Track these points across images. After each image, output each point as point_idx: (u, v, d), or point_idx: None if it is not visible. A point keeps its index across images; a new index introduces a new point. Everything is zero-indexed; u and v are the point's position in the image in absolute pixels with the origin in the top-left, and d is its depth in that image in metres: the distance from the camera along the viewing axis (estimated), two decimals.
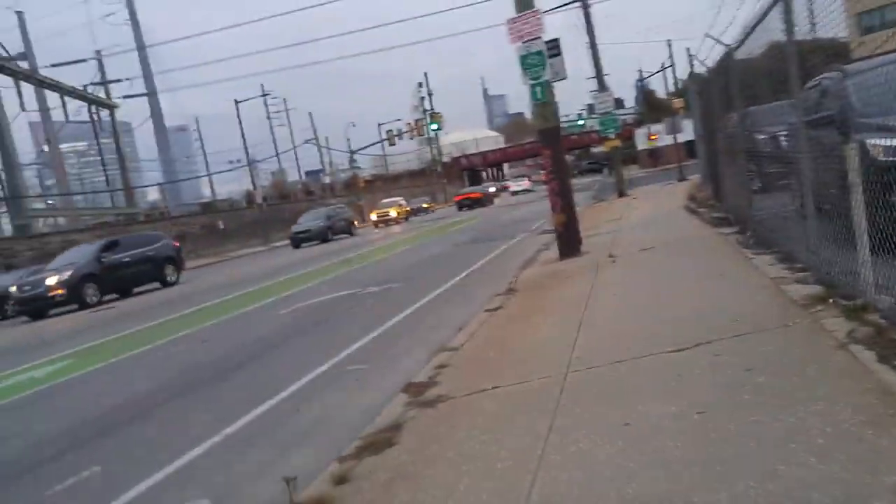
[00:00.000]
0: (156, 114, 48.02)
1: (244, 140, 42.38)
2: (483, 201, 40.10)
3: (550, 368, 4.24)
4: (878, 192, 4.05)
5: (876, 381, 2.76)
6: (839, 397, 2.72)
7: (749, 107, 7.43)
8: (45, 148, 41.94)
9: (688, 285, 5.92)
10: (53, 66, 39.42)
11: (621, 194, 22.46)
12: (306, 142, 47.15)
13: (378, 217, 39.47)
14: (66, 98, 35.96)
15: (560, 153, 9.58)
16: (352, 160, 46.78)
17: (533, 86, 8.89)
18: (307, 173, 77.10)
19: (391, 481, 3.14)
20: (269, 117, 59.57)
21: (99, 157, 48.54)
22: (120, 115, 44.73)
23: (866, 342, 3.16)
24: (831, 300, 3.92)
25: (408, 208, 42.65)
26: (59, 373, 8.00)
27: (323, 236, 29.89)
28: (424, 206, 49.24)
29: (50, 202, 46.25)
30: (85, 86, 39.12)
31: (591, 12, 22.74)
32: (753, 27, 5.34)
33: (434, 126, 38.49)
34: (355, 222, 33.69)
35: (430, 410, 4.07)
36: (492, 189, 48.94)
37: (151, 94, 45.45)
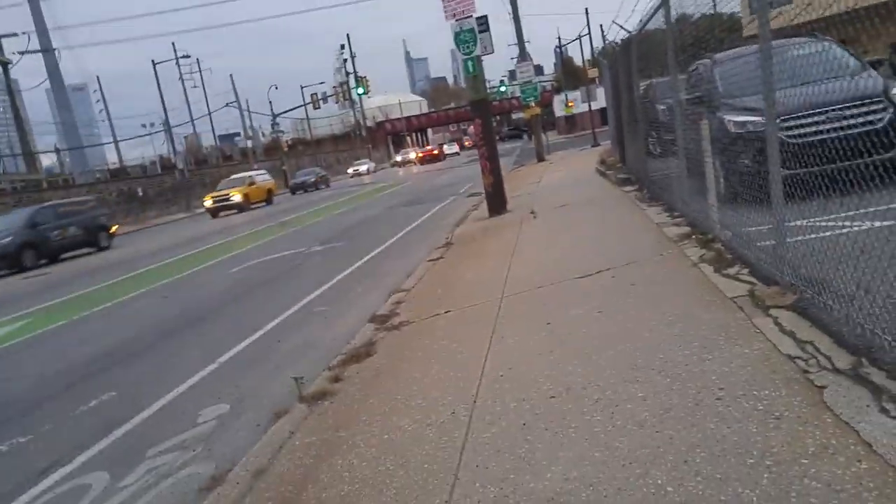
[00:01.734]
0: (53, 72, 44.47)
1: (163, 103, 40.67)
2: (439, 157, 51.90)
3: (488, 296, 5.39)
4: (730, 156, 5.43)
5: (710, 284, 4.10)
6: (687, 294, 4.04)
7: (647, 82, 8.79)
8: None
9: (593, 231, 7.26)
10: None
11: (540, 159, 24.01)
12: (228, 104, 45.63)
13: (214, 203, 28.08)
14: None
15: (489, 122, 10.67)
16: (274, 124, 45.82)
17: (465, 60, 9.88)
18: (221, 137, 74.34)
19: (376, 376, 4.18)
20: (181, 79, 56.87)
21: None
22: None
23: (710, 261, 4.52)
24: (693, 236, 5.30)
25: (269, 186, 31.05)
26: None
27: (13, 260, 17.33)
28: (313, 179, 38.09)
29: None
30: None
31: None
32: (645, 23, 6.57)
33: (360, 90, 38.39)
34: (113, 228, 21.88)
35: (396, 331, 5.13)
36: (445, 148, 60.68)
37: (48, 50, 42.02)
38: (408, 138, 79.81)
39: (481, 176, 10.95)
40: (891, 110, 5.48)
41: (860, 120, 4.74)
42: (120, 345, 6.71)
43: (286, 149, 52.46)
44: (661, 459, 2.30)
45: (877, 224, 2.96)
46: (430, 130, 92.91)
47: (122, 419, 4.36)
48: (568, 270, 5.56)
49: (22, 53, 37.70)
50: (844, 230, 3.27)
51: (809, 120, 4.53)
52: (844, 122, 4.49)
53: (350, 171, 53.61)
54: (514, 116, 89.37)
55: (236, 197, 27.85)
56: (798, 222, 3.64)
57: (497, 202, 10.65)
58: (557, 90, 64.54)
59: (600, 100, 32.13)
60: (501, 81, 66.10)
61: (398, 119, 77.94)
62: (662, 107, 8.88)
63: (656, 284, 4.47)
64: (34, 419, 4.72)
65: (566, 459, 2.48)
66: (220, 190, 29.07)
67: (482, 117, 10.48)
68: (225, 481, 3.10)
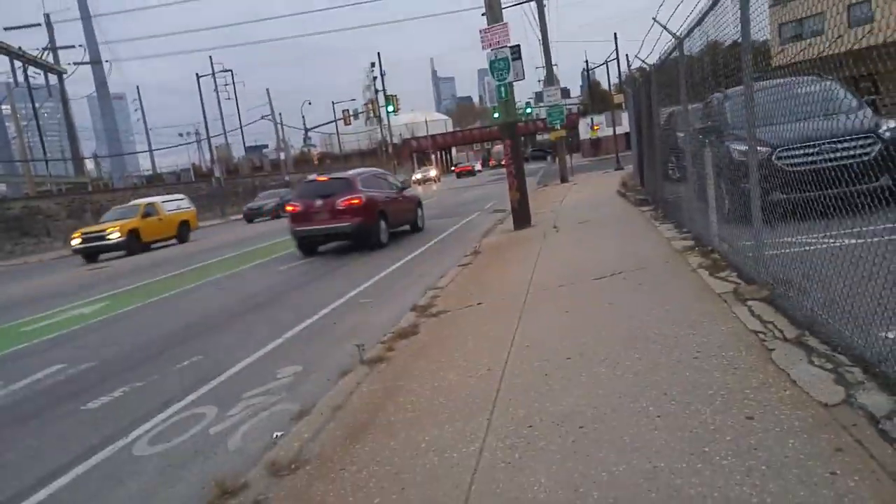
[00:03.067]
0: (100, 83, 47.19)
1: (204, 115, 42.49)
2: (473, 172, 60.48)
3: (516, 291, 6.27)
4: (734, 180, 6.26)
5: (704, 283, 4.95)
6: (683, 291, 4.89)
7: (671, 110, 9.63)
8: None
9: (610, 244, 8.11)
10: (6, 29, 38.31)
11: (564, 180, 24.86)
12: (263, 117, 47.49)
13: (83, 241, 19.31)
14: (15, 62, 35.20)
15: (518, 143, 11.62)
16: (306, 138, 47.46)
17: (498, 86, 10.86)
18: (248, 148, 76.61)
19: (422, 347, 5.08)
20: (216, 91, 59.15)
21: (35, 122, 47.49)
22: (54, 81, 43.43)
23: (707, 268, 5.36)
24: (696, 248, 6.14)
25: (184, 217, 22.71)
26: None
27: None
28: (272, 204, 29.89)
29: None
30: (20, 48, 38.25)
31: (545, 6, 24.93)
32: (664, 62, 7.47)
33: (390, 108, 39.81)
34: None
35: (435, 318, 6.02)
36: (477, 165, 69.21)
37: (98, 62, 44.64)
38: (432, 156, 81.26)
39: (508, 192, 11.86)
40: (878, 145, 6.29)
41: (851, 153, 5.55)
42: (193, 323, 7.70)
43: (316, 162, 54.04)
44: (647, 393, 3.16)
45: (838, 242, 3.74)
46: (454, 149, 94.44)
47: (214, 374, 5.31)
48: (585, 274, 6.42)
49: (77, 65, 40.06)
50: (810, 247, 4.07)
51: (806, 151, 5.34)
52: (837, 154, 5.29)
53: None
54: (538, 138, 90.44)
55: (114, 234, 19.09)
56: (778, 239, 4.45)
57: (522, 216, 11.55)
58: (583, 113, 65.47)
59: (625, 124, 33.04)
60: (527, 103, 66.96)
61: (423, 137, 79.48)
62: (682, 134, 9.73)
63: (659, 284, 5.32)
64: (142, 372, 5.71)
65: (577, 394, 3.34)
66: (104, 222, 19.91)
67: (511, 138, 11.44)
68: (311, 413, 4.00)
